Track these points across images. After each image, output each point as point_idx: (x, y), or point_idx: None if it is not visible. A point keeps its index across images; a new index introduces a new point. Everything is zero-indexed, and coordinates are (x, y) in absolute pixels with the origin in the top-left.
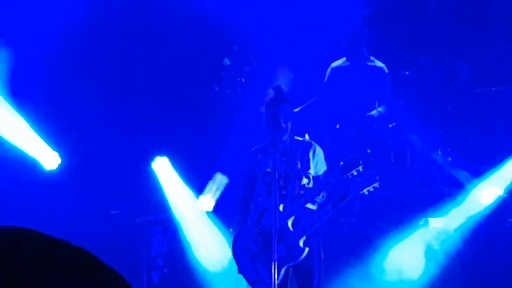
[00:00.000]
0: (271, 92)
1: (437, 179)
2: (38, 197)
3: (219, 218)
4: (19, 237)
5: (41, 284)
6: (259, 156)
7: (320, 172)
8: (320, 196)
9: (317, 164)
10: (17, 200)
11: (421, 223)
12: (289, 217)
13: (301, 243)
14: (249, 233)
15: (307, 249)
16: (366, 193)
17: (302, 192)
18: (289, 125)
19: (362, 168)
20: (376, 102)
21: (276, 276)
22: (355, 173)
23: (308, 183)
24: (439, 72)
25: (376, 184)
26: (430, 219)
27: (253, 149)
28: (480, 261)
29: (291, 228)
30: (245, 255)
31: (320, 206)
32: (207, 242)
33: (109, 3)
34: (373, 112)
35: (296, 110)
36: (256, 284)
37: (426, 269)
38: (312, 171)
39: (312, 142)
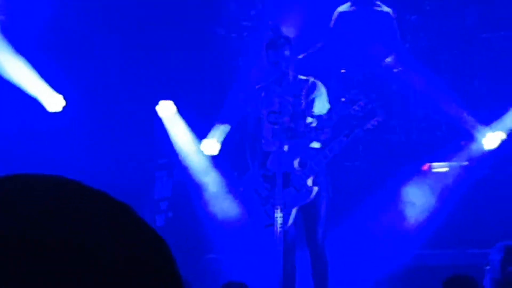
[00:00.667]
0: (269, 33)
1: (442, 125)
2: (41, 140)
3: (224, 162)
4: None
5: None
6: (263, 94)
7: (324, 111)
8: (325, 134)
9: (322, 103)
10: (20, 143)
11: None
12: (295, 158)
13: (309, 183)
14: (256, 177)
15: (316, 188)
16: (371, 127)
17: (307, 131)
18: (292, 66)
19: (364, 103)
20: (384, 48)
21: (283, 219)
22: (357, 108)
23: (313, 123)
24: (446, 17)
25: (379, 118)
26: (434, 164)
27: (256, 87)
28: (483, 206)
29: (298, 168)
30: (255, 200)
31: (324, 144)
32: (211, 186)
33: None
34: (388, 60)
35: (300, 56)
36: (270, 228)
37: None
38: (316, 110)
39: (317, 81)
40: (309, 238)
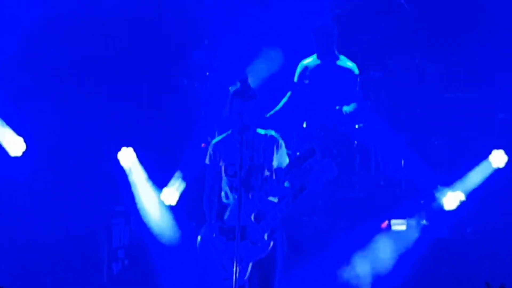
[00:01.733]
0: (237, 84)
1: (402, 182)
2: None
3: (182, 212)
4: None
5: None
6: (222, 148)
7: (283, 166)
8: (281, 188)
9: (280, 157)
10: None
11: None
12: (252, 211)
13: (265, 237)
14: (213, 230)
15: (272, 243)
16: (325, 183)
17: (264, 185)
18: (255, 119)
19: (319, 157)
20: (345, 102)
21: (239, 272)
22: (312, 163)
23: (270, 176)
24: (409, 75)
25: (334, 174)
26: (393, 221)
27: (214, 141)
28: (438, 265)
29: (254, 222)
30: (211, 253)
31: (280, 198)
32: (168, 236)
33: None
34: (341, 108)
35: (268, 115)
36: (225, 282)
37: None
38: (274, 164)
39: (275, 135)
40: None
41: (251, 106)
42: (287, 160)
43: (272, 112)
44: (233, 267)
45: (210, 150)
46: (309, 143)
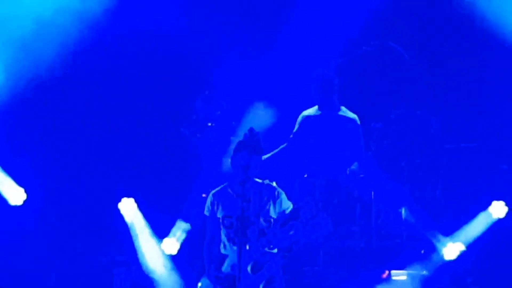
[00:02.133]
0: (246, 134)
1: (402, 233)
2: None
3: (183, 262)
4: None
5: None
6: (219, 199)
7: (282, 216)
8: (278, 240)
9: (279, 207)
10: None
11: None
12: (249, 262)
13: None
14: (211, 280)
15: None
16: (320, 237)
17: (261, 236)
18: (258, 174)
19: (316, 212)
20: (348, 155)
21: None
22: (307, 218)
23: (269, 227)
24: (410, 126)
25: (329, 229)
26: (393, 271)
27: (212, 192)
28: None
29: (251, 273)
30: None
31: (278, 249)
32: (170, 285)
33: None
34: (347, 167)
35: (264, 157)
36: None
37: None
38: (273, 215)
39: (273, 185)
40: None
41: (255, 161)
42: (289, 208)
43: (268, 156)
44: None
45: (208, 201)
46: (310, 194)
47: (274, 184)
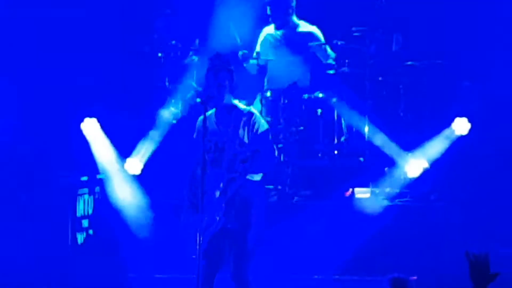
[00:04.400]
0: (211, 59)
1: (365, 151)
2: None
3: (146, 181)
4: None
5: None
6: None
7: (257, 142)
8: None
9: (256, 132)
10: None
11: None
12: (218, 186)
13: (217, 215)
14: (186, 204)
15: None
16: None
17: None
18: (227, 91)
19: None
20: (309, 73)
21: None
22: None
23: (244, 152)
24: (372, 44)
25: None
26: (356, 189)
27: (200, 118)
28: (403, 233)
29: (218, 197)
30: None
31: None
32: (133, 205)
33: None
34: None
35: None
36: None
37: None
38: (246, 140)
39: (253, 111)
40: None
41: (224, 77)
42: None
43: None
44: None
45: (196, 126)
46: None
47: (251, 108)
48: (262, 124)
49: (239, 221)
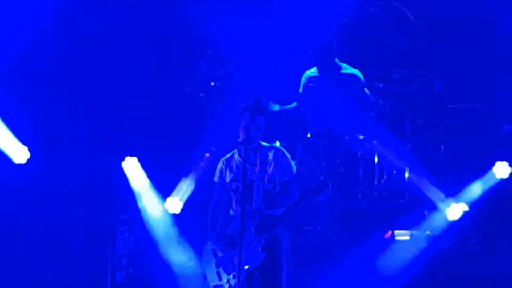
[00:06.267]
0: (249, 99)
1: (405, 193)
2: (5, 191)
3: (186, 221)
4: None
5: None
6: (228, 165)
7: (286, 178)
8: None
9: (284, 169)
10: None
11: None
12: (252, 223)
13: (260, 248)
14: (213, 240)
15: (264, 254)
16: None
17: (265, 197)
18: (260, 135)
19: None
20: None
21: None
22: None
23: (274, 189)
24: (413, 86)
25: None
26: (396, 232)
27: (222, 159)
28: (442, 276)
29: (253, 234)
30: (211, 261)
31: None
32: (172, 244)
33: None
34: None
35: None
36: None
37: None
38: (277, 177)
39: (278, 147)
40: None
41: (260, 121)
42: (292, 172)
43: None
44: (226, 275)
45: (218, 167)
46: (313, 154)
47: (277, 144)
48: (288, 159)
49: (269, 260)
